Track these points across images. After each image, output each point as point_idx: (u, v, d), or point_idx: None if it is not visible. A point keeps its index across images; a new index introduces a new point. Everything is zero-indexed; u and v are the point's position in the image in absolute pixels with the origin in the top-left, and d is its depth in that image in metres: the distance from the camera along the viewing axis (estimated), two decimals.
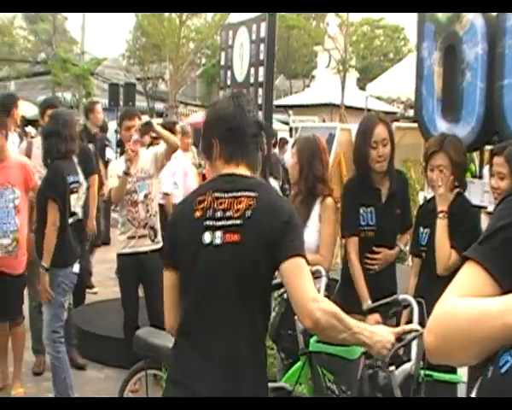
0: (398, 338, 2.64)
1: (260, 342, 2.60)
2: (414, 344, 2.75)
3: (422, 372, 2.95)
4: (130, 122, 5.82)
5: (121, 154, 6.33)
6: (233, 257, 2.50)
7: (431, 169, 3.99)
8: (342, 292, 4.44)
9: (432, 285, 3.69)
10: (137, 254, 5.73)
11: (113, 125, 16.30)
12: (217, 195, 2.57)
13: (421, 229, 4.16)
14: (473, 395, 1.40)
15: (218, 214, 2.54)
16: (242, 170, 2.65)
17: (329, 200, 4.37)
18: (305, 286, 2.42)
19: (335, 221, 4.43)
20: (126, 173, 5.52)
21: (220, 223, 2.53)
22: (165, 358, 4.12)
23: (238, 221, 2.50)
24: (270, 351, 4.81)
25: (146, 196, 5.75)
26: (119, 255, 5.86)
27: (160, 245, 5.87)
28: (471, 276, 1.49)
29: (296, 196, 4.44)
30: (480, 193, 4.86)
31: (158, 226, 5.90)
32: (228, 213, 2.52)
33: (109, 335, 6.41)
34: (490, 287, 1.44)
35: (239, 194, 2.55)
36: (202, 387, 2.47)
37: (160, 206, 6.51)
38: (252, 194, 2.53)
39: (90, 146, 7.80)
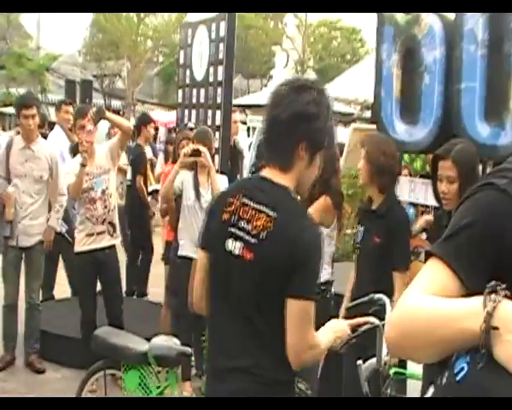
0: (355, 330, 2.72)
1: (265, 357, 2.48)
2: (378, 339, 2.82)
3: (393, 370, 3.01)
4: (83, 121, 5.66)
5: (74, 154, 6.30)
6: (244, 274, 2.46)
7: None
8: None
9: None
10: (95, 252, 5.70)
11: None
12: (244, 201, 2.49)
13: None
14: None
15: (241, 224, 2.47)
16: (276, 172, 2.51)
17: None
18: (295, 335, 2.37)
19: None
20: (83, 165, 5.47)
21: (241, 234, 2.47)
22: (123, 357, 4.10)
23: (253, 240, 2.43)
24: None
25: (103, 191, 5.71)
26: (77, 254, 5.79)
27: (119, 239, 5.88)
28: (435, 273, 1.48)
29: None
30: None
31: (116, 221, 5.88)
32: (248, 227, 2.45)
33: (66, 334, 6.33)
34: (454, 285, 1.44)
35: (261, 208, 2.45)
36: (217, 388, 2.54)
37: None
38: (271, 213, 2.42)
39: None
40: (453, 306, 1.33)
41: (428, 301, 1.41)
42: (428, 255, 1.53)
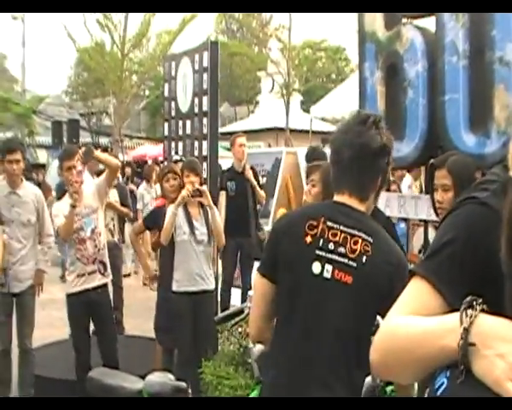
0: None
1: (355, 387, 2.49)
2: None
3: (390, 388, 2.93)
4: (71, 162, 5.59)
5: (59, 198, 6.27)
6: (342, 297, 2.44)
7: None
8: None
9: None
10: (87, 292, 5.65)
11: (56, 164, 16.04)
12: (330, 224, 2.48)
13: None
14: None
15: (331, 247, 2.46)
16: (354, 200, 2.52)
17: None
18: None
19: None
20: (73, 206, 5.42)
21: (332, 256, 2.45)
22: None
23: (353, 263, 2.43)
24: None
25: (93, 230, 5.68)
26: (69, 295, 5.73)
27: (109, 278, 5.83)
28: (418, 291, 1.47)
29: None
30: (427, 207, 4.87)
31: (107, 259, 5.83)
32: (341, 249, 2.45)
33: (61, 377, 6.23)
34: (436, 302, 1.43)
35: (355, 232, 2.45)
36: None
37: None
38: (368, 238, 2.44)
39: None
40: (432, 324, 1.31)
41: (408, 320, 1.39)
42: (412, 274, 1.52)
